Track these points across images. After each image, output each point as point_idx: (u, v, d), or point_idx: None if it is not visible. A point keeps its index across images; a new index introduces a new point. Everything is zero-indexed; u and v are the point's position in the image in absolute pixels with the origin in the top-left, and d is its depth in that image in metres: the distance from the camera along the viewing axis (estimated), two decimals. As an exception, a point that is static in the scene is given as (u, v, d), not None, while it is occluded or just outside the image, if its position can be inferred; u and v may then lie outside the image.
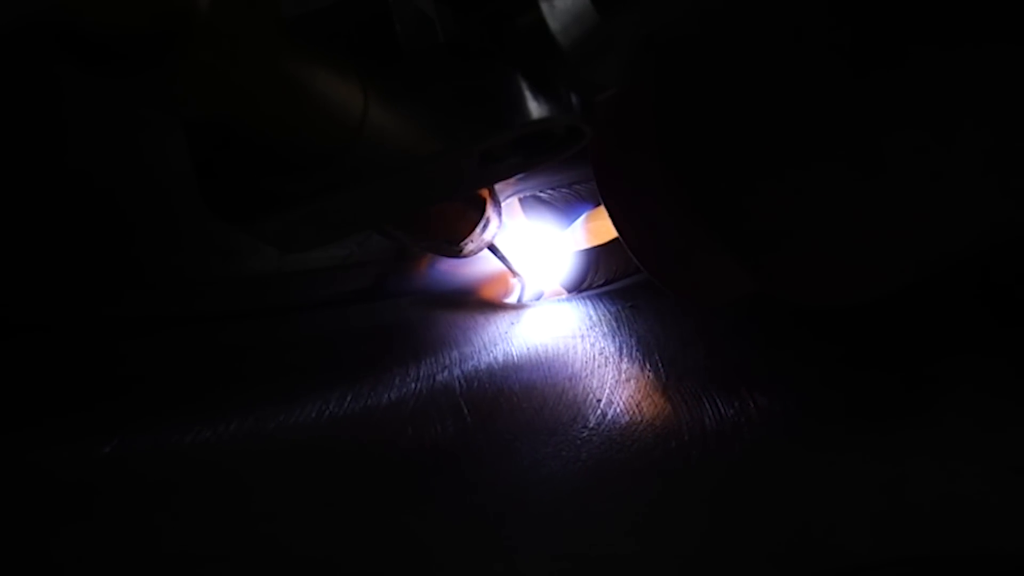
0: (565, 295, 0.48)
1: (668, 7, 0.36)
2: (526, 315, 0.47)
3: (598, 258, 0.47)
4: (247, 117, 0.25)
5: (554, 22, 0.28)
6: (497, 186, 0.42)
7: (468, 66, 0.29)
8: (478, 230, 0.41)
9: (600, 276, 0.48)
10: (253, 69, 0.23)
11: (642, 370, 0.42)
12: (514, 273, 0.47)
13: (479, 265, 0.47)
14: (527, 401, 0.40)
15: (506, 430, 0.39)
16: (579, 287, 0.48)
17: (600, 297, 0.48)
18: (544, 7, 0.28)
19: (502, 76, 0.28)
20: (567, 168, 0.47)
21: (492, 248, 0.44)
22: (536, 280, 0.48)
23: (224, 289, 0.45)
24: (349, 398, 0.40)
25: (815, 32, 0.33)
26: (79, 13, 0.19)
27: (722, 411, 0.39)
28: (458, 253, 0.42)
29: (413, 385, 0.41)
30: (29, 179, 0.42)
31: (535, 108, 0.29)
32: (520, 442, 0.38)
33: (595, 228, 0.46)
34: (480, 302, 0.47)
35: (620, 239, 0.40)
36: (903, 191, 0.33)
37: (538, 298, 0.48)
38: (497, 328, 0.45)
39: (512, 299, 0.48)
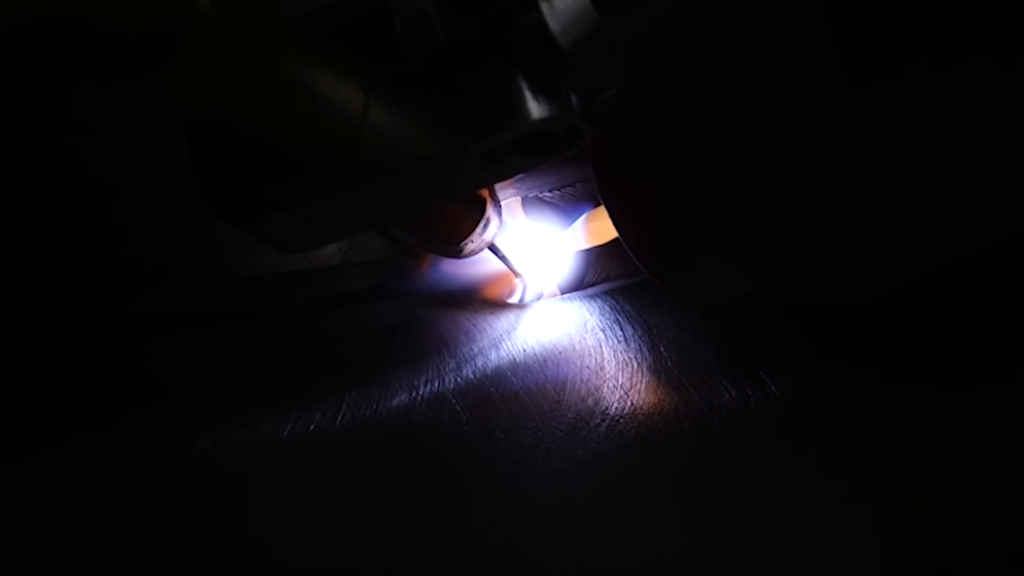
0: (564, 295, 0.48)
1: (669, 9, 0.36)
2: (538, 313, 0.47)
3: (595, 258, 0.47)
4: (247, 117, 0.25)
5: (554, 22, 0.28)
6: (497, 186, 0.42)
7: (468, 66, 0.28)
8: (478, 230, 0.41)
9: (596, 276, 0.48)
10: (253, 69, 0.23)
11: (665, 362, 0.43)
12: (515, 273, 0.47)
13: (481, 265, 0.47)
14: (561, 391, 0.41)
15: (544, 422, 0.40)
16: (576, 288, 0.48)
17: (606, 295, 0.48)
18: (544, 7, 0.28)
19: (502, 76, 0.28)
20: (567, 168, 0.46)
21: (493, 248, 0.44)
22: (537, 280, 0.48)
23: (226, 289, 0.45)
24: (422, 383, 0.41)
25: (814, 36, 0.33)
26: (79, 12, 0.19)
27: (750, 394, 0.41)
28: (458, 253, 0.42)
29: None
30: (36, 180, 0.43)
31: (535, 108, 0.29)
32: (563, 431, 0.40)
33: (595, 228, 0.46)
34: (485, 302, 0.48)
35: (620, 239, 0.40)
36: (904, 194, 0.33)
37: (538, 298, 0.48)
38: (514, 324, 0.46)
39: (514, 299, 0.48)
